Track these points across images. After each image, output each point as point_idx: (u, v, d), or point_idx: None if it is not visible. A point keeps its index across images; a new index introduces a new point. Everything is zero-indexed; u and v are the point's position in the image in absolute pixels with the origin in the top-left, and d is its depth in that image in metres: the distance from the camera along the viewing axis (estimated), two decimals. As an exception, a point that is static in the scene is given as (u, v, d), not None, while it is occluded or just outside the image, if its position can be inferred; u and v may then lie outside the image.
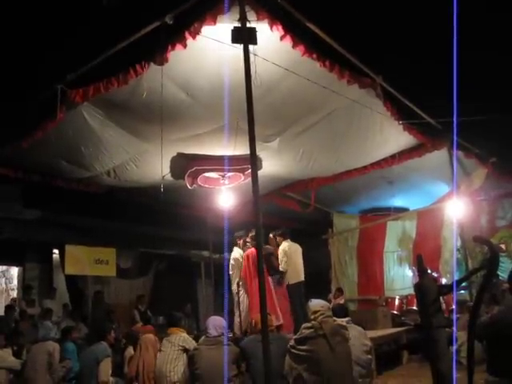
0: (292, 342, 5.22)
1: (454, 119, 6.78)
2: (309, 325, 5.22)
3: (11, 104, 7.53)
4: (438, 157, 9.56)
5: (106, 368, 7.19)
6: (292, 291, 9.38)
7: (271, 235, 9.77)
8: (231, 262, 9.55)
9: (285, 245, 9.55)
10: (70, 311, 11.98)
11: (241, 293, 9.27)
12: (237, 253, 9.54)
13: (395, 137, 8.85)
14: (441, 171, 10.28)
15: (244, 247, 9.48)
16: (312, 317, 5.28)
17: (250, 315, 8.76)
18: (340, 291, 12.33)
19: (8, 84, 7.70)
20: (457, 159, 9.58)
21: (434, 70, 8.61)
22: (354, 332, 6.00)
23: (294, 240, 9.73)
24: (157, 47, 5.92)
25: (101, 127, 7.63)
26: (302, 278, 9.45)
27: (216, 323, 6.19)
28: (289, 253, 9.42)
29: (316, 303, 5.49)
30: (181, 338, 6.84)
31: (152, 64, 6.09)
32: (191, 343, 6.72)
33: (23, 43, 7.65)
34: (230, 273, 9.50)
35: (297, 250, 9.61)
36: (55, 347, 7.64)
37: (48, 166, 8.93)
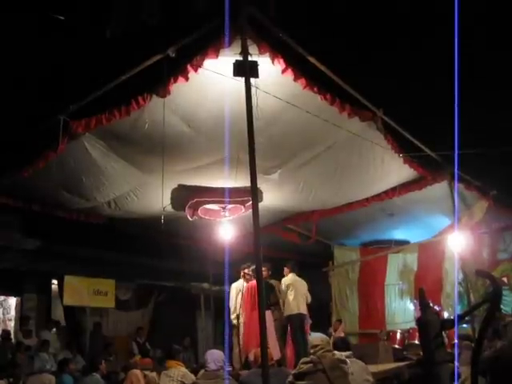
0: (290, 378, 5.13)
1: (455, 152, 6.82)
2: (307, 359, 5.14)
3: (13, 133, 7.56)
4: (438, 189, 9.56)
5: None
6: (289, 323, 9.40)
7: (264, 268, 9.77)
8: (232, 293, 9.51)
9: (288, 277, 9.69)
10: (68, 343, 11.85)
11: (241, 325, 9.19)
12: (239, 284, 9.51)
13: (396, 169, 8.86)
14: (441, 204, 10.25)
15: (245, 279, 9.45)
16: (311, 351, 5.21)
17: (246, 348, 8.68)
18: (339, 321, 12.24)
19: (11, 114, 7.74)
20: (457, 192, 9.57)
21: (435, 102, 8.68)
22: (356, 367, 5.90)
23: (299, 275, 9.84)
24: (159, 80, 5.97)
25: (102, 158, 7.64)
26: (301, 310, 9.43)
27: (215, 357, 6.12)
28: (289, 285, 9.48)
29: (316, 337, 5.42)
30: (180, 372, 6.76)
31: (154, 96, 6.12)
32: (190, 378, 6.64)
33: (27, 74, 7.71)
34: (230, 305, 9.45)
35: (300, 284, 9.72)
36: (51, 380, 7.56)
37: (48, 196, 8.92)
